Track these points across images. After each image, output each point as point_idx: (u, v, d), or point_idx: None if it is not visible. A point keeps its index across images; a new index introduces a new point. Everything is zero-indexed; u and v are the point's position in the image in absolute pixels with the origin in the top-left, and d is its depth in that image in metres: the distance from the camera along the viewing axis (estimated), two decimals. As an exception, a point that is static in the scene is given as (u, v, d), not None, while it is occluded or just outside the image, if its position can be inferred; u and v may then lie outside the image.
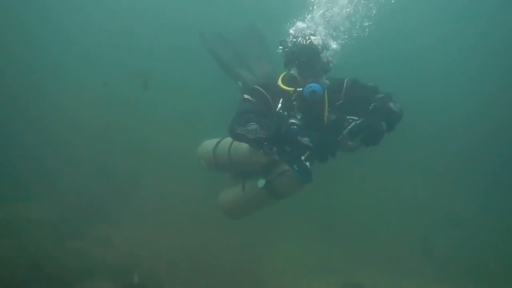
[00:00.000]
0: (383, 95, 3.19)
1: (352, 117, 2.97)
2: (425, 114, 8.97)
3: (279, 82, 3.20)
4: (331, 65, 3.15)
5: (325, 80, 3.06)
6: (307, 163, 2.78)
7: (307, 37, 3.10)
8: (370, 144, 2.89)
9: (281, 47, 3.27)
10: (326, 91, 3.06)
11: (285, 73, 3.28)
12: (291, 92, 3.07)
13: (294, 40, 3.16)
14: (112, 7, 11.24)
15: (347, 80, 3.27)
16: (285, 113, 3.04)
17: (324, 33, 3.38)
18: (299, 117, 3.02)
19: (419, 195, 7.26)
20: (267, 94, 3.12)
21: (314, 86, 2.89)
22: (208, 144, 3.85)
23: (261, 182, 3.18)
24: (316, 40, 3.08)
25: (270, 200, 3.39)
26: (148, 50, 10.76)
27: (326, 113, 3.12)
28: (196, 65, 8.87)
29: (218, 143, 3.73)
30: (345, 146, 2.97)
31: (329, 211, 6.59)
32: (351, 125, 2.88)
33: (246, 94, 3.15)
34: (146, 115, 8.96)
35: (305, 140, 2.69)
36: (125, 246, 5.24)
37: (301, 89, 2.97)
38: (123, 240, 5.37)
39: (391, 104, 3.05)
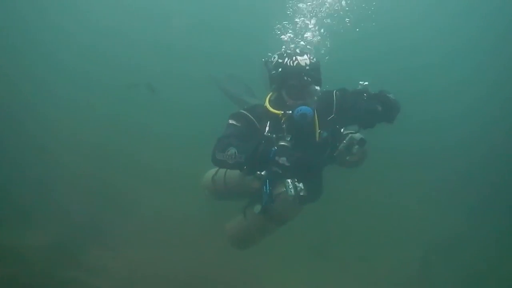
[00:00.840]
0: (376, 92, 3.08)
1: (348, 131, 2.90)
2: (424, 133, 8.98)
3: (266, 104, 3.12)
4: (320, 84, 3.05)
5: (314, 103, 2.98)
6: (301, 185, 2.68)
7: (294, 58, 2.97)
8: (366, 127, 2.86)
9: (266, 70, 3.15)
10: (316, 111, 3.01)
11: (271, 93, 3.20)
12: (280, 115, 3.00)
13: (280, 61, 3.02)
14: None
15: (335, 92, 3.19)
16: (274, 135, 2.99)
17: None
18: (288, 139, 2.95)
19: (417, 217, 7.16)
20: (252, 118, 3.08)
21: (304, 109, 2.83)
22: (209, 173, 3.82)
23: (257, 208, 3.11)
24: (303, 60, 2.96)
25: (270, 225, 3.32)
26: (143, 69, 10.82)
27: (318, 131, 3.06)
28: (195, 84, 8.94)
29: (217, 171, 3.69)
30: (343, 161, 2.90)
31: (324, 234, 6.47)
32: (346, 139, 2.80)
33: (231, 119, 3.10)
34: (143, 135, 8.90)
35: (282, 160, 2.61)
36: (122, 272, 5.11)
37: (290, 112, 2.90)
38: (120, 266, 5.23)
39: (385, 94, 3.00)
